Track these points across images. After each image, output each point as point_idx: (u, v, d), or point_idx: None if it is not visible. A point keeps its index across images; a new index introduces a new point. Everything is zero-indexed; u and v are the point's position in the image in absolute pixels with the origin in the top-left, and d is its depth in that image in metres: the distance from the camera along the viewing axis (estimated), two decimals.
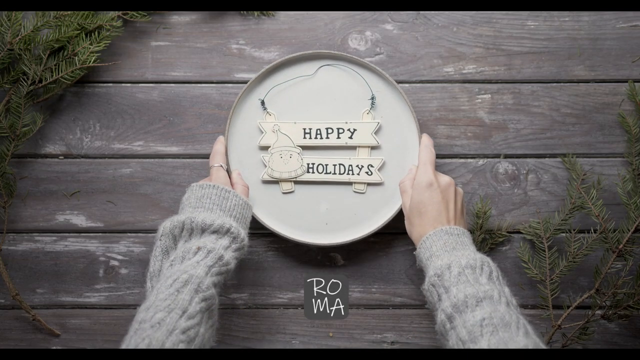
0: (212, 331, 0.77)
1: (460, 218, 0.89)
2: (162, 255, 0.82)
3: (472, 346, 0.70)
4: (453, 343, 0.73)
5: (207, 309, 0.75)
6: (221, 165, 0.93)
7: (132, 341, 0.68)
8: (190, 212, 0.84)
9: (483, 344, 0.70)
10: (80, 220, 1.01)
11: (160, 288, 0.74)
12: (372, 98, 0.97)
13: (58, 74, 0.96)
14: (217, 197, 0.86)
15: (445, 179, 0.89)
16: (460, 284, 0.77)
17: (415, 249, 0.87)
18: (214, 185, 0.87)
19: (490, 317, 0.72)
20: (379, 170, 0.97)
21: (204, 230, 0.82)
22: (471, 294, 0.75)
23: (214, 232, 0.82)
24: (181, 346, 0.69)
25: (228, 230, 0.83)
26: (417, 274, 0.99)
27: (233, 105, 0.97)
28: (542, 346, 0.70)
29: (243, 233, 0.85)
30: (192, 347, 0.71)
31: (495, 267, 0.80)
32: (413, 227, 0.88)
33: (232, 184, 0.93)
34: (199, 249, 0.80)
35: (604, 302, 0.94)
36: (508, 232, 0.99)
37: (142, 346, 0.67)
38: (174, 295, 0.73)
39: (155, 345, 0.67)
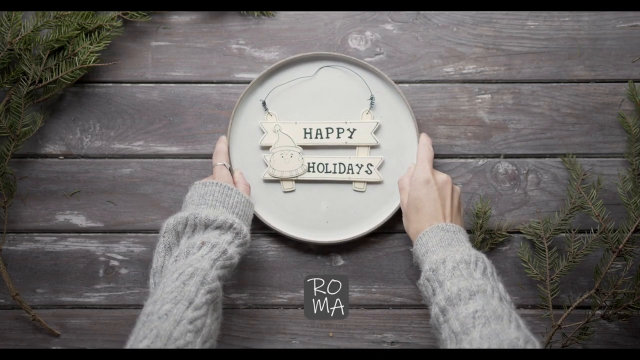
0: (218, 324, 0.80)
1: (457, 215, 0.90)
2: (165, 252, 0.84)
3: (464, 337, 0.73)
4: (445, 336, 0.76)
5: (213, 300, 0.78)
6: (224, 164, 0.94)
7: (140, 333, 0.71)
8: (193, 208, 0.86)
9: (475, 334, 0.72)
10: (80, 220, 1.02)
11: (166, 282, 0.77)
12: (371, 98, 0.98)
13: (58, 74, 0.97)
14: (219, 194, 0.87)
15: (442, 176, 0.91)
16: (455, 278, 0.79)
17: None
18: (216, 183, 0.89)
19: (483, 309, 0.74)
20: (378, 169, 0.98)
21: (207, 225, 0.84)
22: (464, 287, 0.77)
23: (217, 227, 0.84)
24: (189, 336, 0.72)
25: (231, 226, 0.84)
26: (417, 273, 1.00)
27: (235, 106, 0.98)
28: (534, 339, 0.73)
29: (245, 229, 0.87)
30: (200, 337, 0.74)
31: (489, 264, 0.82)
32: (410, 224, 0.90)
33: (234, 183, 0.94)
34: (203, 243, 0.82)
35: (604, 302, 0.95)
36: (508, 232, 1.00)
37: (151, 337, 0.70)
38: (180, 288, 0.75)
39: (163, 335, 0.70)
